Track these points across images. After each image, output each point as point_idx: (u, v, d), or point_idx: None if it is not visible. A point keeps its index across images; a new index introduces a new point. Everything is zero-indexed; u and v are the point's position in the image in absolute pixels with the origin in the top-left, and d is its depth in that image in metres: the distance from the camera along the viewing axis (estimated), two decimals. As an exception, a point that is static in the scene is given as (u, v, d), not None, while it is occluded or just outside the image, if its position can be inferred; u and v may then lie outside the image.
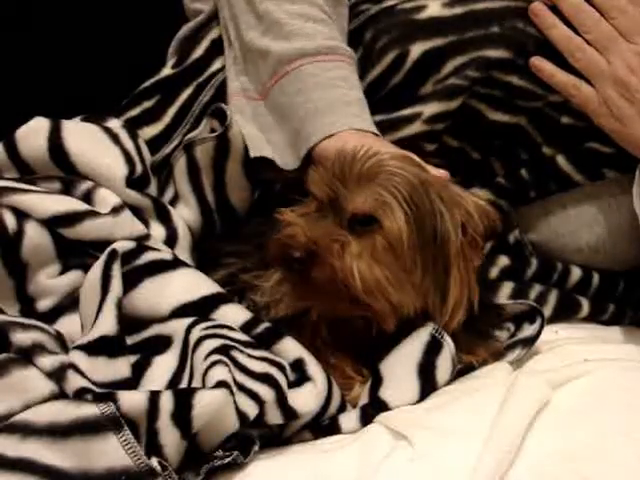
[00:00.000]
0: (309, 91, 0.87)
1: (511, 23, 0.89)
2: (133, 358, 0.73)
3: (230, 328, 0.74)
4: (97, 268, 0.74)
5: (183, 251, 0.88)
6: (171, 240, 0.87)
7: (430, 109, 0.89)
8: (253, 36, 0.93)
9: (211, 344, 0.71)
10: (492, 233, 0.80)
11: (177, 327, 0.74)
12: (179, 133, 0.96)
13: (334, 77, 0.88)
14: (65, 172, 0.85)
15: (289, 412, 0.70)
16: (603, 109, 0.87)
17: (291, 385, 0.72)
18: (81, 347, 0.70)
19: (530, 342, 0.82)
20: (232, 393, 0.66)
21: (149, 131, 0.96)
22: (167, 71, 1.00)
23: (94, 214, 0.80)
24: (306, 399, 0.72)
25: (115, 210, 0.82)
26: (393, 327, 0.77)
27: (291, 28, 0.90)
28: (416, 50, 0.90)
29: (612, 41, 0.87)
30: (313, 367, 0.74)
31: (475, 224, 0.77)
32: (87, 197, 0.83)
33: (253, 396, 0.68)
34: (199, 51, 1.00)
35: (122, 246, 0.75)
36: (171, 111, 0.98)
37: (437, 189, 0.77)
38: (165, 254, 0.79)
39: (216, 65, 0.99)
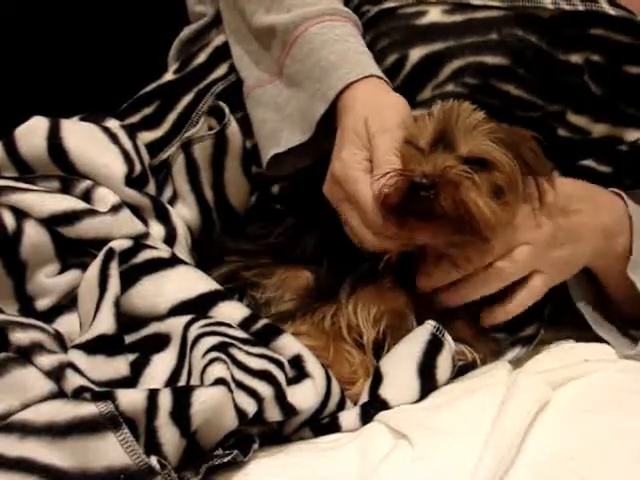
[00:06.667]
0: (319, 50, 0.87)
1: (510, 31, 0.88)
2: (131, 357, 0.73)
3: (228, 325, 0.74)
4: (95, 267, 0.74)
5: (182, 250, 0.88)
6: (170, 239, 0.87)
7: None
8: (258, 18, 0.93)
9: (209, 341, 0.70)
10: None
11: (175, 325, 0.74)
12: (177, 140, 0.96)
13: (341, 34, 0.88)
14: (64, 171, 0.85)
15: (288, 409, 0.70)
16: None
17: (290, 382, 0.72)
18: (80, 346, 0.70)
19: (530, 341, 0.82)
20: (231, 390, 0.66)
21: (148, 135, 0.96)
22: (169, 76, 1.00)
23: (93, 213, 0.80)
24: (305, 395, 0.71)
25: (114, 209, 0.81)
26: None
27: (291, 0, 0.90)
28: (416, 54, 0.89)
29: None
30: (312, 363, 0.74)
31: (535, 153, 0.82)
32: (86, 196, 0.83)
33: (252, 393, 0.68)
34: (202, 57, 0.99)
35: (120, 245, 0.76)
36: (170, 117, 0.97)
37: (506, 136, 0.81)
38: (163, 252, 0.79)
39: (218, 72, 0.98)
